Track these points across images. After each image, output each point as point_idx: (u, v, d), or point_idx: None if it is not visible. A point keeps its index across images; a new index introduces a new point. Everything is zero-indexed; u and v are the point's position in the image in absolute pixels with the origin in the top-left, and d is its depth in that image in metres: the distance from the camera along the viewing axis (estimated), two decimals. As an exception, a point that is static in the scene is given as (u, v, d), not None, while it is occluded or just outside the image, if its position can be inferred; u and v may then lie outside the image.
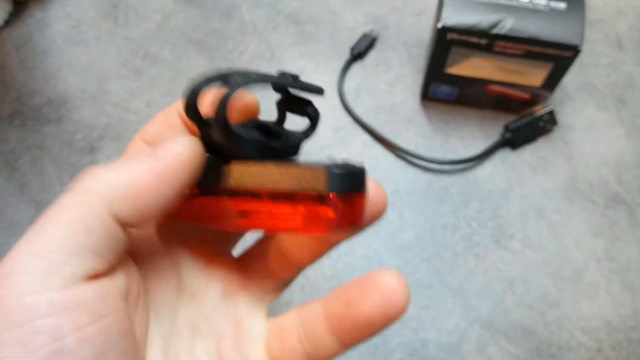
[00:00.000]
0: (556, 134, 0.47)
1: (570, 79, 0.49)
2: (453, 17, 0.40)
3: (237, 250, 0.23)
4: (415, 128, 0.47)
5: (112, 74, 0.50)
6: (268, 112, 0.23)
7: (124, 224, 0.16)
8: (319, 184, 0.17)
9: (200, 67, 0.50)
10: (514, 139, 0.46)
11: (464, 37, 0.40)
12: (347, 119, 0.48)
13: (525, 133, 0.46)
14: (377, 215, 0.19)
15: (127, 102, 0.49)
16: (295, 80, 0.19)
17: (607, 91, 0.49)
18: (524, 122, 0.46)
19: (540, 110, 0.46)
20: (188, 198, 0.18)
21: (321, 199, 0.17)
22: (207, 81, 0.17)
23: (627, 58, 0.50)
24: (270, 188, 0.17)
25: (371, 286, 0.18)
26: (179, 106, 0.20)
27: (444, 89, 0.47)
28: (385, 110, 0.48)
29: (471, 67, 0.43)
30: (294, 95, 0.21)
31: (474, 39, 0.40)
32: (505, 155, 0.46)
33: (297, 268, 0.21)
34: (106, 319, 0.15)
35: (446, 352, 0.40)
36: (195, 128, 0.19)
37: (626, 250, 0.43)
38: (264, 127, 0.20)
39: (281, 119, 0.21)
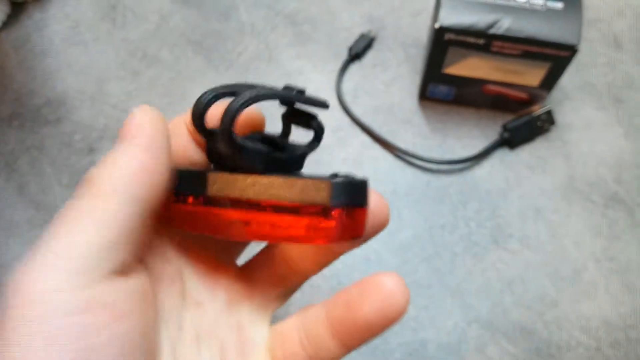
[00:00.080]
0: (554, 133, 0.47)
1: (568, 79, 0.49)
2: (450, 18, 0.40)
3: (242, 259, 0.23)
4: (413, 128, 0.47)
5: (111, 75, 0.50)
6: (274, 124, 0.23)
7: (146, 207, 0.17)
8: (322, 196, 0.17)
9: (199, 67, 0.50)
10: (512, 139, 0.46)
11: (461, 37, 0.40)
12: (346, 120, 0.48)
13: (523, 133, 0.46)
14: (379, 227, 0.19)
15: (125, 103, 0.49)
16: (301, 94, 0.19)
17: (605, 91, 0.49)
18: (522, 122, 0.46)
19: (538, 109, 0.46)
20: (193, 208, 0.18)
21: (323, 211, 0.17)
22: (216, 94, 0.18)
23: (625, 58, 0.50)
24: (273, 199, 0.17)
25: (371, 289, 0.18)
26: (185, 117, 0.20)
27: (442, 89, 0.47)
28: (383, 111, 0.48)
29: (469, 67, 0.43)
30: (299, 109, 0.21)
31: (471, 39, 0.40)
32: (503, 155, 0.46)
33: (301, 278, 0.21)
34: (130, 318, 0.16)
35: (445, 352, 0.40)
36: (201, 139, 0.19)
37: (625, 250, 0.43)
38: (268, 140, 0.20)
39: (286, 132, 0.21)
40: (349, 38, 0.51)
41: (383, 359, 0.40)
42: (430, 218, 0.44)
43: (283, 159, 0.19)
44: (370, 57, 0.50)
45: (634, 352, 0.40)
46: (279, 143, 0.20)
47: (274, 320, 0.22)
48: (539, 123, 0.46)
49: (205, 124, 0.18)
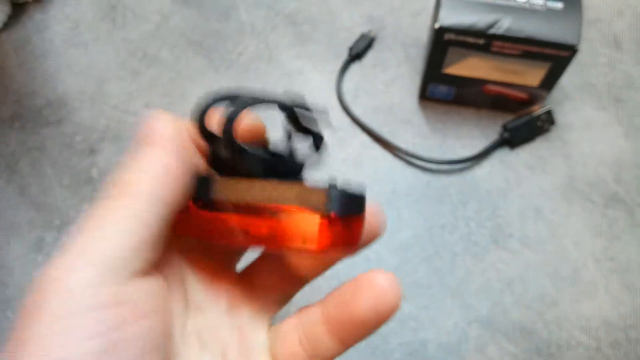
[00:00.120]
0: (554, 133, 0.47)
1: (568, 79, 0.49)
2: (450, 18, 0.40)
3: (240, 265, 0.23)
4: (413, 128, 0.47)
5: (111, 76, 0.50)
6: (277, 133, 0.23)
7: (172, 209, 0.17)
8: (319, 203, 0.17)
9: (199, 67, 0.51)
10: (512, 139, 0.46)
11: (461, 38, 0.41)
12: (346, 120, 0.48)
13: (523, 133, 0.46)
14: (374, 236, 0.20)
15: (126, 104, 0.49)
16: (299, 100, 0.20)
17: (605, 91, 0.49)
18: (522, 122, 0.46)
19: (538, 109, 0.46)
20: (191, 213, 0.19)
21: (322, 218, 0.17)
22: (217, 99, 0.18)
23: (625, 57, 0.50)
24: (270, 204, 0.18)
25: (363, 287, 0.18)
26: (188, 124, 0.21)
27: (442, 89, 0.47)
28: (384, 111, 0.48)
29: (469, 67, 0.43)
30: (299, 117, 0.21)
31: (471, 39, 0.40)
32: (503, 155, 0.46)
33: (299, 283, 0.22)
34: (153, 317, 0.16)
35: (445, 351, 0.40)
36: (201, 144, 0.19)
37: (625, 250, 0.43)
38: (270, 150, 0.21)
39: (288, 140, 0.22)
40: (349, 38, 0.51)
41: (383, 358, 0.40)
42: (430, 218, 0.44)
43: (282, 166, 0.20)
44: (370, 57, 0.50)
45: (634, 352, 0.40)
46: (280, 150, 0.21)
47: (275, 319, 0.23)
48: (539, 123, 0.46)
49: (207, 129, 0.18)
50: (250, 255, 0.23)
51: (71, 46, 0.52)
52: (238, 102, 0.18)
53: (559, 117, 0.47)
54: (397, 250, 0.43)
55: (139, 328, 0.15)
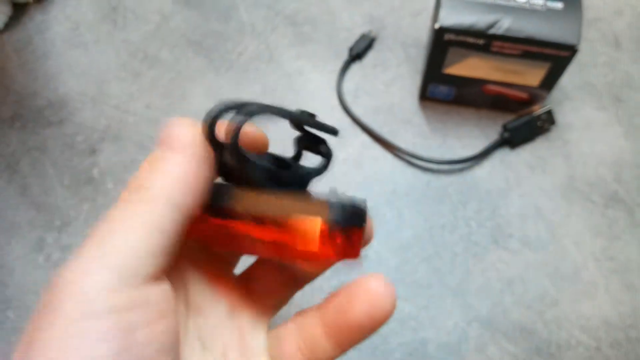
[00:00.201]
0: (554, 133, 0.47)
1: (568, 79, 0.49)
2: (450, 18, 0.40)
3: (238, 268, 0.24)
4: (413, 128, 0.48)
5: (112, 76, 0.51)
6: (285, 147, 0.23)
7: (188, 216, 0.18)
8: (322, 215, 0.17)
9: (199, 68, 0.51)
10: (512, 139, 0.46)
11: (461, 38, 0.41)
12: (346, 120, 0.48)
13: (524, 133, 0.46)
14: (365, 242, 0.20)
15: (126, 104, 0.49)
16: (311, 118, 0.20)
17: (605, 90, 0.49)
18: (522, 122, 0.46)
19: (538, 109, 0.46)
20: (201, 219, 0.19)
21: (322, 230, 0.17)
22: (226, 108, 0.18)
23: (624, 57, 0.50)
24: (272, 215, 0.18)
25: (358, 292, 0.19)
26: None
27: (442, 89, 0.47)
28: (384, 111, 0.48)
29: (469, 67, 0.43)
30: (309, 133, 0.21)
31: (471, 40, 0.41)
32: (503, 155, 0.46)
33: (297, 285, 0.22)
34: (169, 316, 0.16)
35: (445, 351, 0.40)
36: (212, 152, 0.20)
37: (625, 250, 0.43)
38: (277, 159, 0.21)
39: (297, 155, 0.22)
40: (349, 38, 0.51)
41: (383, 358, 0.40)
42: (431, 218, 0.44)
43: (288, 177, 0.20)
44: (370, 57, 0.51)
45: (634, 351, 0.40)
46: (287, 162, 0.21)
47: (274, 320, 0.23)
48: (539, 123, 0.46)
49: (215, 138, 0.19)
50: (248, 259, 0.23)
51: (72, 47, 0.52)
52: (245, 110, 0.18)
53: (559, 117, 0.47)
54: (397, 250, 0.43)
55: (152, 332, 0.16)
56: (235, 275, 0.23)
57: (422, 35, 0.51)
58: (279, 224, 0.18)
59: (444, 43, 0.41)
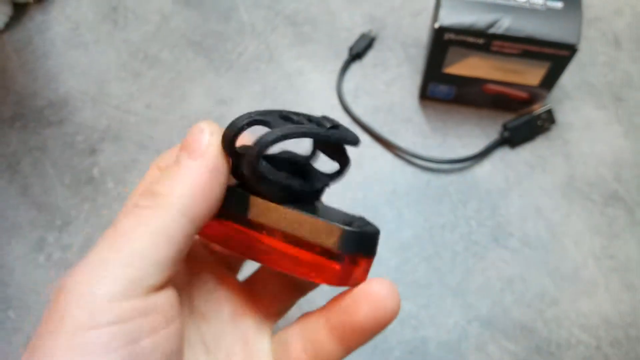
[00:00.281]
0: (554, 132, 0.47)
1: (568, 78, 0.49)
2: (450, 17, 0.40)
3: (243, 274, 0.24)
4: (413, 127, 0.48)
5: (112, 76, 0.51)
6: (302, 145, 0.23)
7: (198, 227, 0.18)
8: (332, 240, 0.17)
9: (199, 68, 0.51)
10: (512, 138, 0.46)
11: (461, 37, 0.41)
12: (346, 119, 0.48)
13: (524, 132, 0.46)
14: None
15: (127, 104, 0.49)
16: (335, 129, 0.20)
17: (605, 90, 0.49)
18: (522, 121, 0.46)
19: (538, 109, 0.46)
20: (212, 219, 0.19)
21: (331, 255, 0.18)
22: (250, 120, 0.18)
23: (624, 56, 0.50)
24: (284, 231, 0.18)
25: (362, 295, 0.19)
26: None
27: (442, 89, 0.47)
28: (384, 110, 0.48)
29: (469, 66, 0.43)
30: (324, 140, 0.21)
31: (471, 39, 0.41)
32: (503, 154, 0.46)
33: (299, 293, 0.23)
34: (174, 323, 0.17)
35: (445, 350, 0.40)
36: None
37: (625, 248, 0.43)
38: (294, 164, 0.21)
39: (312, 157, 0.22)
40: (349, 38, 0.51)
41: (383, 357, 0.40)
42: (431, 217, 0.44)
43: (304, 190, 0.20)
44: (370, 57, 0.51)
45: (634, 350, 0.40)
46: (303, 169, 0.21)
47: (277, 325, 0.23)
48: (539, 122, 0.46)
49: (234, 147, 0.19)
50: (252, 265, 0.23)
51: (72, 47, 0.52)
52: (269, 133, 0.17)
53: (559, 116, 0.48)
54: (397, 250, 0.43)
55: (157, 338, 0.16)
56: (239, 281, 0.23)
57: (422, 35, 0.51)
58: (290, 240, 0.18)
59: (444, 42, 0.41)
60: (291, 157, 0.21)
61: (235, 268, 0.24)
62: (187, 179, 0.17)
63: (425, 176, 0.46)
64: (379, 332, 0.19)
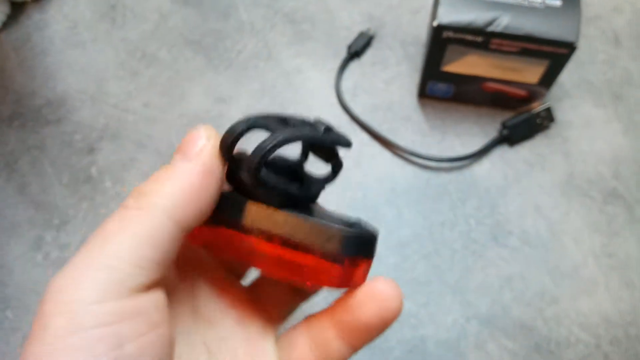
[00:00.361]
0: (553, 130, 0.47)
1: (567, 76, 0.49)
2: (449, 15, 0.40)
3: (247, 279, 0.24)
4: (412, 126, 0.47)
5: (110, 75, 0.50)
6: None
7: (185, 230, 0.17)
8: (333, 243, 0.18)
9: (198, 67, 0.51)
10: (511, 136, 0.46)
11: (459, 35, 0.41)
12: (345, 118, 0.48)
13: (523, 130, 0.46)
14: None
15: (125, 103, 0.49)
16: (328, 132, 0.20)
17: (604, 88, 0.49)
18: (521, 119, 0.46)
19: (537, 107, 0.46)
20: (207, 225, 0.19)
21: (332, 258, 0.18)
22: (248, 125, 0.18)
23: (624, 54, 0.50)
24: (283, 236, 0.18)
25: (367, 294, 0.19)
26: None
27: (441, 87, 0.47)
28: (383, 109, 0.48)
29: (467, 64, 0.43)
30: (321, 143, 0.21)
31: (469, 37, 0.41)
32: (502, 152, 0.46)
33: (302, 297, 0.23)
34: (161, 327, 0.16)
35: (445, 348, 0.40)
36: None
37: (624, 246, 0.43)
38: (290, 169, 0.21)
39: (303, 159, 0.22)
40: (348, 36, 0.51)
41: (382, 356, 0.40)
42: (430, 215, 0.44)
43: (301, 194, 0.20)
44: (369, 55, 0.50)
45: (634, 348, 0.40)
46: (299, 174, 0.21)
47: (285, 324, 0.23)
48: (538, 120, 0.46)
49: (232, 152, 0.19)
50: (256, 270, 0.23)
51: (70, 46, 0.52)
52: (268, 139, 0.17)
53: (558, 114, 0.47)
54: (397, 248, 0.43)
55: (143, 343, 0.15)
56: (244, 286, 0.23)
57: (421, 33, 0.51)
58: (289, 244, 0.18)
59: (442, 40, 0.41)
60: (284, 161, 0.21)
61: (239, 273, 0.24)
62: (177, 181, 0.17)
63: (425, 174, 0.46)
64: (384, 330, 0.19)
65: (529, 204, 0.44)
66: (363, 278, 0.19)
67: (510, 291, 0.42)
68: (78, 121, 0.49)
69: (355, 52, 0.50)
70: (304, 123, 0.20)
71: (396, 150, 0.46)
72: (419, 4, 0.52)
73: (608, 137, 0.47)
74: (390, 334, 0.41)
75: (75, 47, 0.52)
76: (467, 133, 0.47)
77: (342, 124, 0.48)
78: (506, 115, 0.47)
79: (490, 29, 0.40)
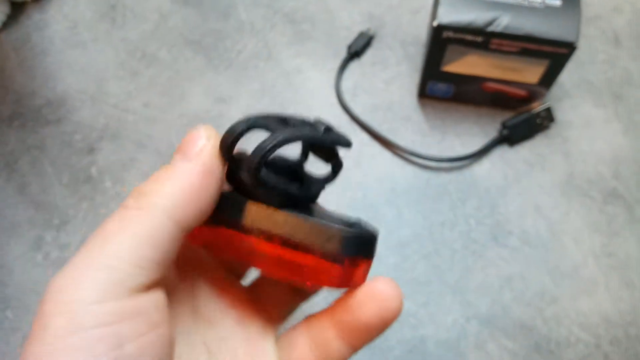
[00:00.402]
0: (553, 130, 0.47)
1: (567, 76, 0.49)
2: (449, 15, 0.40)
3: (247, 280, 0.24)
4: (412, 126, 0.47)
5: (110, 75, 0.50)
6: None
7: (185, 230, 0.17)
8: (333, 243, 0.18)
9: (198, 67, 0.51)
10: (511, 136, 0.46)
11: (459, 35, 0.41)
12: (345, 118, 0.48)
13: (523, 130, 0.46)
14: None
15: (125, 103, 0.49)
16: (328, 132, 0.20)
17: (605, 88, 0.49)
18: (521, 119, 0.46)
19: (537, 107, 0.46)
20: (207, 225, 0.19)
21: (332, 258, 0.18)
22: (248, 125, 0.18)
23: (624, 54, 0.50)
24: (284, 236, 0.18)
25: (368, 295, 0.19)
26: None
27: (441, 87, 0.47)
28: (383, 109, 0.48)
29: (467, 64, 0.43)
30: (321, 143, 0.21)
31: (469, 37, 0.41)
32: (502, 152, 0.46)
33: (302, 297, 0.23)
34: (161, 327, 0.16)
35: (445, 348, 0.40)
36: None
37: (624, 246, 0.43)
38: (289, 168, 0.21)
39: (303, 159, 0.22)
40: (348, 36, 0.51)
41: (382, 355, 0.40)
42: (430, 215, 0.44)
43: (301, 194, 0.20)
44: (369, 55, 0.50)
45: (634, 348, 0.40)
46: (297, 172, 0.21)
47: (285, 324, 0.23)
48: (538, 120, 0.46)
49: (232, 153, 0.19)
50: (256, 270, 0.23)
51: (70, 46, 0.52)
52: (268, 140, 0.17)
53: (558, 114, 0.47)
54: (397, 248, 0.43)
55: (143, 343, 0.15)
56: (244, 286, 0.23)
57: (421, 33, 0.51)
58: (289, 244, 0.18)
59: (442, 40, 0.41)
60: (284, 161, 0.21)
61: (239, 273, 0.24)
62: (177, 180, 0.17)
63: (425, 174, 0.46)
64: (384, 330, 0.19)
65: (529, 204, 0.44)
66: (363, 278, 0.19)
67: (510, 291, 0.42)
68: (78, 121, 0.49)
69: (355, 52, 0.50)
70: (304, 123, 0.20)
71: (396, 150, 0.46)
72: (419, 4, 0.52)
73: (608, 137, 0.47)
74: (390, 333, 0.41)
75: (75, 47, 0.52)
76: (467, 133, 0.47)
77: (342, 124, 0.48)
78: (506, 115, 0.47)
79: (490, 29, 0.40)
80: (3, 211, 0.45)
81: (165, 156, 0.47)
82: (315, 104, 0.49)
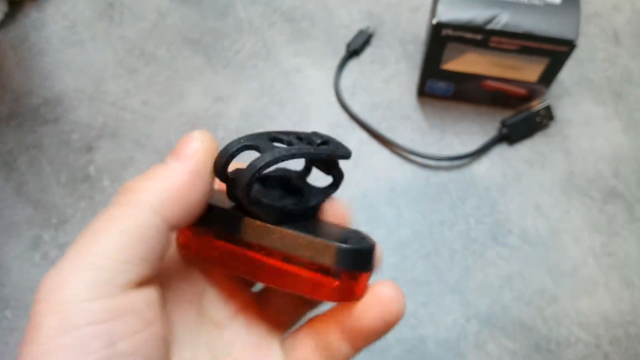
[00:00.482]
0: (553, 129, 0.47)
1: (567, 74, 0.49)
2: (448, 13, 0.40)
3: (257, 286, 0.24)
4: (412, 124, 0.47)
5: (108, 74, 0.50)
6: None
7: (173, 227, 0.18)
8: (328, 257, 0.18)
9: (196, 65, 0.50)
10: (510, 135, 0.46)
11: (459, 33, 0.40)
12: (344, 116, 0.48)
13: (522, 128, 0.46)
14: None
15: (123, 101, 0.49)
16: (325, 145, 0.20)
17: (604, 86, 0.48)
18: (521, 118, 0.46)
19: (537, 105, 0.46)
20: (207, 239, 0.20)
21: (328, 272, 0.18)
22: (240, 146, 0.18)
23: (623, 52, 0.50)
24: (281, 251, 0.18)
25: (371, 297, 0.19)
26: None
27: (440, 85, 0.46)
28: (382, 107, 0.48)
29: (467, 62, 0.43)
30: (316, 158, 0.21)
31: (469, 35, 0.40)
32: (502, 151, 0.46)
33: (310, 306, 0.23)
34: (154, 325, 0.16)
35: (444, 348, 0.40)
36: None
37: (624, 245, 0.43)
38: (287, 181, 0.21)
39: (306, 172, 0.22)
40: (347, 34, 0.51)
41: (381, 355, 0.40)
42: (429, 215, 0.44)
43: (299, 210, 0.20)
44: (368, 53, 0.50)
45: (634, 348, 0.40)
46: (297, 185, 0.21)
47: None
48: (537, 119, 0.46)
49: (226, 172, 0.19)
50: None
51: (68, 45, 0.52)
52: (259, 158, 0.18)
53: (558, 112, 0.47)
54: (396, 247, 0.43)
55: (136, 341, 0.15)
56: (253, 293, 0.24)
57: (420, 31, 0.51)
58: (287, 260, 0.18)
59: (441, 39, 0.41)
60: (285, 175, 0.21)
61: (249, 280, 0.24)
62: (166, 178, 0.17)
63: (424, 173, 0.46)
64: (387, 332, 0.20)
65: (529, 203, 0.44)
66: (362, 290, 0.20)
67: (510, 291, 0.42)
68: (76, 120, 0.48)
69: (355, 50, 0.50)
70: (299, 138, 0.20)
71: (395, 149, 0.46)
72: (418, 2, 0.52)
73: (608, 135, 0.47)
74: (390, 333, 0.40)
75: (73, 45, 0.52)
76: (467, 132, 0.47)
77: (341, 123, 0.48)
78: (506, 114, 0.47)
79: (490, 26, 0.39)
80: (1, 211, 0.45)
81: (164, 155, 0.47)
82: (314, 102, 0.48)
